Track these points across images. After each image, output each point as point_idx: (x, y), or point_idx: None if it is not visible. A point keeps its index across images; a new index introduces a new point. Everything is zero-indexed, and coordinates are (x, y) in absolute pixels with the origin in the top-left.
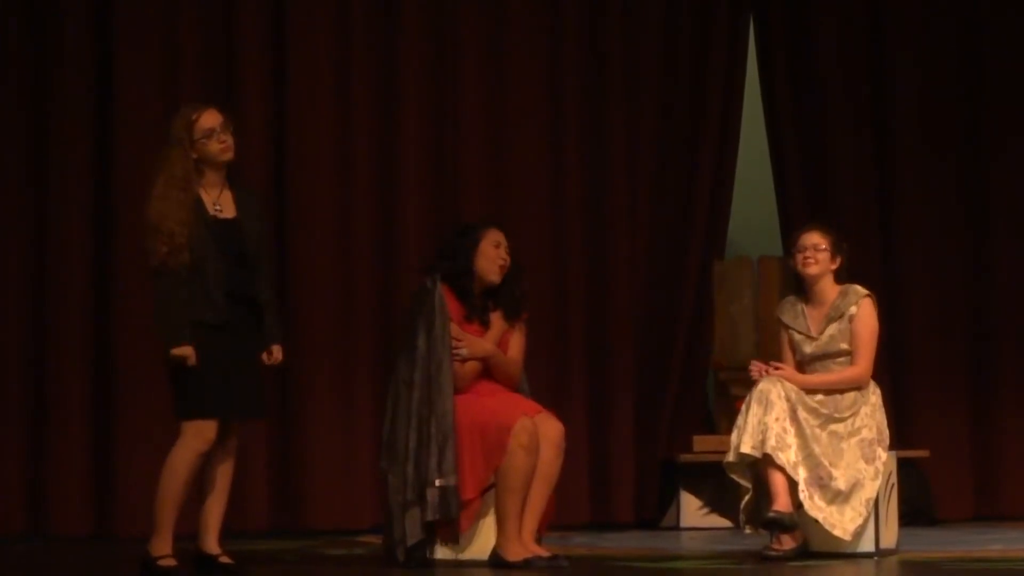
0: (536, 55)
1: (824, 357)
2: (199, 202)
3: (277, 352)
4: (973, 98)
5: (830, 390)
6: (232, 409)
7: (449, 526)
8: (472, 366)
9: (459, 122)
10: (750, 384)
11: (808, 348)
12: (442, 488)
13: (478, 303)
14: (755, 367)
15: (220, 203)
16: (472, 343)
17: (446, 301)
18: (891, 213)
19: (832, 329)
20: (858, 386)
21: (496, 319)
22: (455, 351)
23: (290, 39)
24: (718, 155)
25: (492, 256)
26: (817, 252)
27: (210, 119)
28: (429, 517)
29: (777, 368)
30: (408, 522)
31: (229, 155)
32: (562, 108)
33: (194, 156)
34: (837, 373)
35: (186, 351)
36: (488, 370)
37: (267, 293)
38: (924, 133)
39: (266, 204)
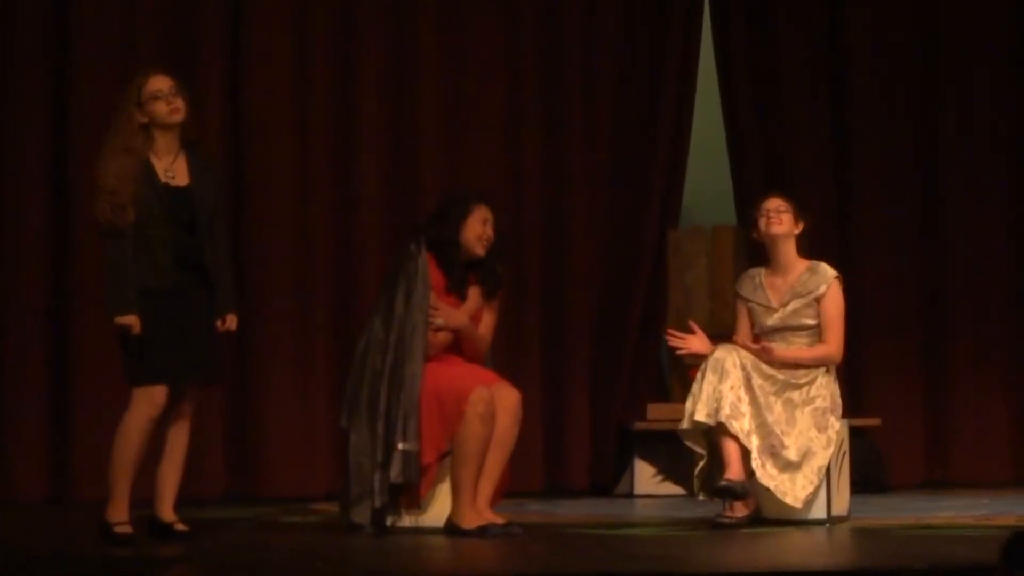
0: (493, 24)
1: (785, 330)
2: (149, 167)
3: (231, 321)
4: (928, 60)
5: (798, 365)
6: (181, 374)
7: (410, 492)
8: (443, 336)
9: (417, 89)
10: (703, 353)
11: (769, 320)
12: (405, 452)
13: (460, 275)
14: (674, 338)
15: (173, 170)
16: (448, 314)
17: (430, 268)
18: (847, 180)
19: (796, 304)
20: (829, 364)
21: (473, 293)
22: (430, 319)
23: (248, 5)
24: (674, 124)
25: (479, 232)
26: (780, 213)
27: (158, 82)
28: (391, 479)
29: (760, 345)
30: (377, 483)
31: (177, 117)
32: (519, 77)
33: (144, 120)
34: (809, 349)
35: (130, 320)
36: (457, 343)
37: (220, 261)
38: (881, 98)
39: (224, 171)
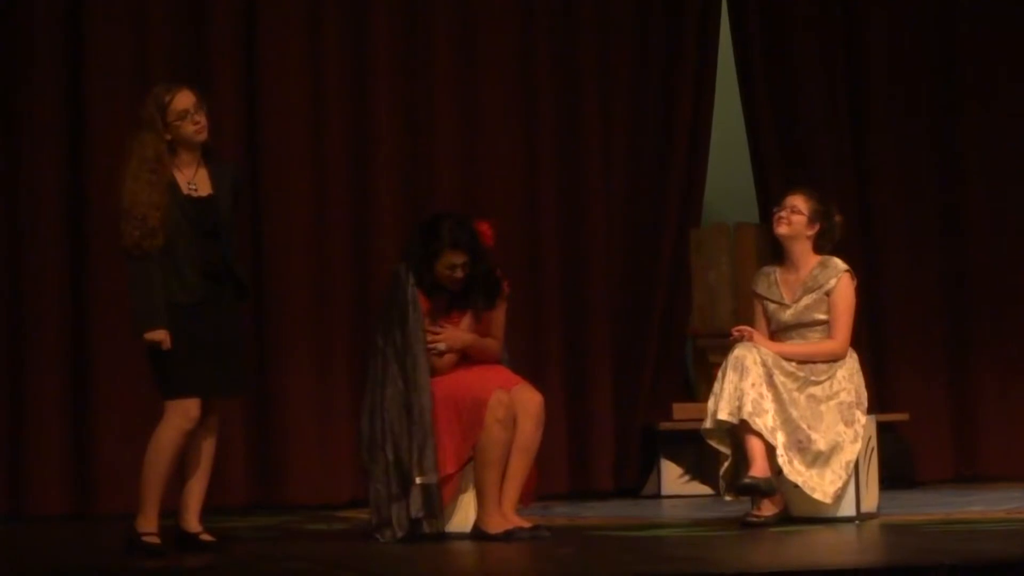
0: (508, 27)
1: (799, 326)
2: (173, 183)
3: None
4: (946, 57)
5: (805, 359)
6: (214, 386)
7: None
8: (449, 358)
9: (432, 96)
10: (728, 351)
11: (783, 316)
12: (424, 486)
13: (445, 302)
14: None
15: (195, 181)
16: (450, 336)
17: (418, 293)
18: (867, 177)
19: (808, 299)
20: (834, 358)
21: (474, 301)
22: (433, 345)
23: (261, 11)
24: (693, 122)
25: (446, 276)
26: (792, 214)
27: (184, 100)
28: (412, 515)
29: (749, 332)
30: (395, 515)
31: (203, 136)
32: (536, 75)
33: (168, 137)
34: (814, 344)
35: (159, 335)
36: (466, 355)
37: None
38: (898, 95)
39: (243, 175)
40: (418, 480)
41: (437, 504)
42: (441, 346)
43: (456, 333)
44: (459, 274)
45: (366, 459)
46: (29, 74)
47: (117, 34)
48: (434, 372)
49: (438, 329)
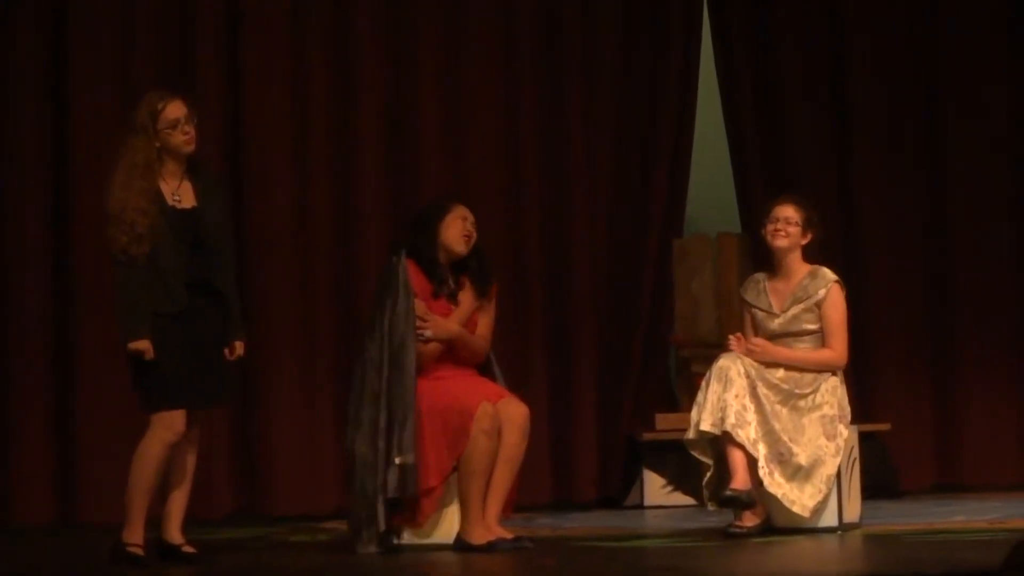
0: (492, 29)
1: (787, 335)
2: (159, 192)
3: (239, 348)
4: (930, 62)
5: (793, 367)
6: (198, 397)
7: (409, 509)
8: (434, 347)
9: (416, 100)
10: (711, 361)
11: (771, 325)
12: (401, 466)
13: (445, 278)
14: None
15: (179, 193)
16: (437, 325)
17: (411, 277)
18: (850, 186)
19: (796, 309)
20: (834, 369)
21: (465, 297)
22: (420, 331)
23: (245, 11)
24: (675, 132)
25: (459, 228)
26: (788, 225)
27: (175, 110)
28: (389, 494)
29: (753, 342)
30: (380, 505)
31: (191, 147)
32: (519, 87)
33: (156, 145)
34: (815, 352)
35: (143, 345)
36: (452, 350)
37: (228, 284)
38: (883, 102)
39: (226, 190)
40: (397, 460)
41: (412, 484)
42: (428, 332)
43: (443, 323)
44: (471, 228)
45: (349, 446)
46: (11, 75)
47: (101, 39)
48: (417, 360)
49: (426, 317)
